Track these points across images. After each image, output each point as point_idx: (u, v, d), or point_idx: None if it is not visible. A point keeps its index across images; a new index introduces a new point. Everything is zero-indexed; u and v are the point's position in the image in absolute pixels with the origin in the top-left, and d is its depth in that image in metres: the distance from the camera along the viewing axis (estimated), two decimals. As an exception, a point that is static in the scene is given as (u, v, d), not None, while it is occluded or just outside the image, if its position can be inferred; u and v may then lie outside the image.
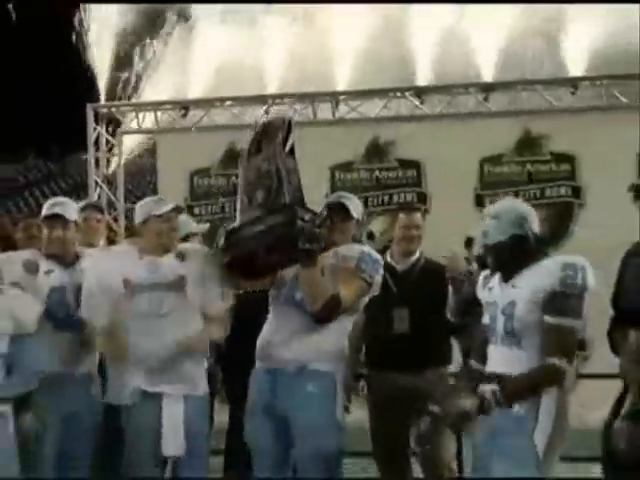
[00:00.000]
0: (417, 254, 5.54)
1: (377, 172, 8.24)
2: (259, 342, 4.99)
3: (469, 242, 5.29)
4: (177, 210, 5.17)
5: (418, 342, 5.31)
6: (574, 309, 4.05)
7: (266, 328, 5.00)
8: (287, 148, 4.78)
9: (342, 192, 5.51)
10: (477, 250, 4.57)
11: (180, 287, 4.95)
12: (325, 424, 4.83)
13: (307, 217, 4.63)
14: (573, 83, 8.15)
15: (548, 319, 4.05)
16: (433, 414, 4.35)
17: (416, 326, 5.37)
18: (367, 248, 5.03)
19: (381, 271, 4.94)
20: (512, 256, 4.19)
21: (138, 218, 5.03)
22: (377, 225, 7.86)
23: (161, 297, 4.95)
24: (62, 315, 5.09)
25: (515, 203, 4.50)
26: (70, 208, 5.23)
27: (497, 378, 4.11)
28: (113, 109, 9.09)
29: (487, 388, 4.11)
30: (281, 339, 4.89)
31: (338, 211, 4.93)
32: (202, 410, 5.14)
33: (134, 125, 9.18)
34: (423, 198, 8.18)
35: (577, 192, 8.10)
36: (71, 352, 5.12)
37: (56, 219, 5.13)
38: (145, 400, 4.94)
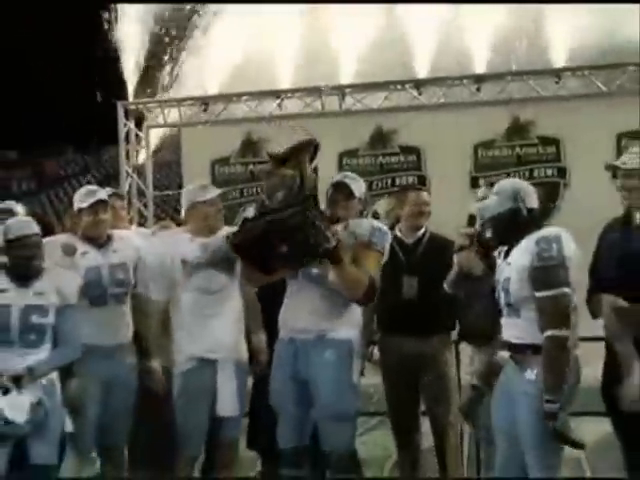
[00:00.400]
0: (423, 229, 5.60)
1: (380, 158, 8.36)
2: (281, 315, 5.07)
3: (471, 219, 5.09)
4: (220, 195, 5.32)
5: (425, 308, 5.36)
6: (557, 279, 4.04)
7: (286, 302, 5.06)
8: (312, 166, 4.78)
9: (347, 172, 5.46)
10: (477, 226, 4.55)
11: (229, 266, 5.13)
12: (342, 387, 4.89)
13: (318, 216, 4.61)
14: (557, 73, 8.24)
15: (536, 294, 4.08)
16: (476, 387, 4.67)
17: (423, 293, 5.42)
18: (376, 222, 5.08)
19: (389, 241, 4.97)
20: (508, 229, 4.22)
21: (185, 204, 5.21)
22: (381, 206, 7.94)
23: (213, 275, 5.11)
24: (97, 292, 5.21)
25: (514, 180, 4.65)
26: (104, 195, 5.46)
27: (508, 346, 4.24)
28: (141, 106, 9.24)
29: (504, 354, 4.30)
30: (301, 312, 4.94)
31: (342, 189, 4.99)
32: (245, 374, 5.30)
33: (160, 120, 9.31)
34: (423, 181, 8.26)
35: (562, 172, 8.22)
36: (107, 325, 5.25)
37: (98, 205, 5.21)
38: (202, 366, 5.12)
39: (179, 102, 9.24)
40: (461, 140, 8.06)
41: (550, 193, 8.19)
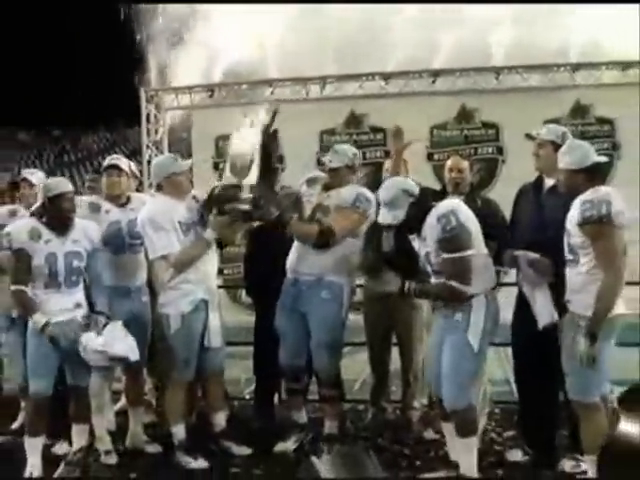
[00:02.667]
0: None
1: (354, 136, 8.16)
2: (289, 260, 5.10)
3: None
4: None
5: (398, 258, 5.12)
6: (460, 244, 4.11)
7: (293, 251, 5.09)
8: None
9: (336, 146, 5.37)
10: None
11: (204, 223, 4.94)
12: (333, 321, 4.99)
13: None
14: (497, 71, 8.14)
15: (445, 256, 4.15)
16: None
17: (398, 246, 5.16)
18: (363, 189, 5.05)
19: (374, 206, 4.91)
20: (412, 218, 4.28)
21: (161, 174, 4.92)
22: (354, 176, 7.91)
23: (200, 232, 4.92)
24: (119, 242, 5.13)
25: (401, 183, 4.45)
26: (122, 162, 5.21)
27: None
28: (159, 92, 8.96)
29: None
30: (304, 258, 5.00)
31: (329, 162, 5.05)
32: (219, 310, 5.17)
33: (174, 104, 9.10)
34: (387, 154, 7.91)
35: (500, 150, 8.09)
36: (127, 270, 5.18)
37: (113, 169, 5.13)
38: (199, 306, 4.95)
39: (190, 89, 9.02)
40: (420, 123, 7.87)
41: (491, 167, 8.17)
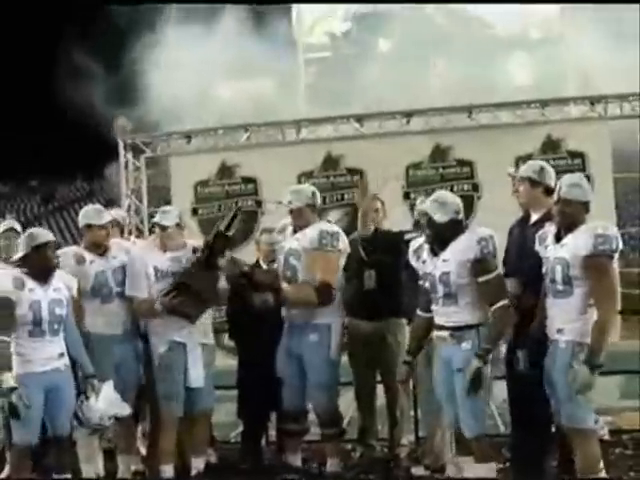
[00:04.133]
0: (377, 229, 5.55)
1: (332, 178, 8.24)
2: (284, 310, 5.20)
3: (416, 224, 5.26)
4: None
5: (382, 296, 5.37)
6: (494, 265, 4.27)
7: None
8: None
9: (294, 187, 5.60)
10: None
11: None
12: (325, 361, 5.10)
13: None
14: (469, 109, 8.23)
15: (479, 279, 4.22)
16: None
17: (380, 284, 5.41)
18: (325, 225, 5.20)
19: (342, 239, 5.08)
20: (445, 233, 4.32)
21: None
22: (333, 216, 7.94)
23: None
24: (106, 291, 5.22)
25: (453, 195, 4.57)
26: (103, 217, 5.31)
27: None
28: (137, 140, 9.02)
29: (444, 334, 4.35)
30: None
31: (288, 203, 5.15)
32: (211, 353, 5.26)
33: (152, 152, 9.08)
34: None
35: (476, 187, 8.16)
36: (117, 318, 5.27)
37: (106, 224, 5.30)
38: (174, 347, 5.11)
39: (168, 136, 9.07)
40: (396, 162, 7.97)
41: (467, 204, 7.99)
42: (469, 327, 4.28)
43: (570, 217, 4.17)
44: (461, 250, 4.28)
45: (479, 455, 4.31)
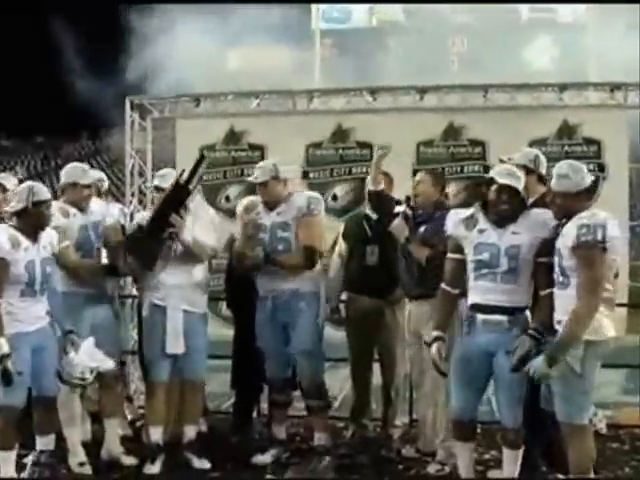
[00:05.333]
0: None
1: (341, 150, 8.09)
2: (260, 282, 5.26)
3: (407, 199, 5.29)
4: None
5: (383, 273, 5.40)
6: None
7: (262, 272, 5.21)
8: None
9: (259, 163, 5.62)
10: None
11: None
12: (313, 329, 5.17)
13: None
14: (485, 89, 8.06)
15: (539, 259, 4.15)
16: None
17: (382, 260, 5.44)
18: (309, 192, 5.56)
19: (323, 204, 5.29)
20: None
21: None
22: (340, 190, 7.88)
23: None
24: (88, 247, 5.28)
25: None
26: (87, 177, 5.30)
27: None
28: (145, 101, 8.89)
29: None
30: (277, 276, 5.16)
31: (264, 184, 5.25)
32: (202, 321, 5.18)
33: (160, 113, 8.87)
34: None
35: (487, 169, 7.82)
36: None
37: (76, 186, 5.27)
38: (156, 311, 5.15)
39: (176, 98, 8.86)
40: (406, 139, 7.78)
41: (476, 186, 7.75)
42: (522, 310, 4.20)
43: (563, 208, 4.09)
44: (536, 226, 4.19)
45: (514, 444, 4.29)
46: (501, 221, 4.26)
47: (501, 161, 4.86)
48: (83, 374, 4.64)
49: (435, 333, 4.43)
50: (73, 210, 5.22)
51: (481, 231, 4.27)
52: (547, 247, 4.11)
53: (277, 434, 5.40)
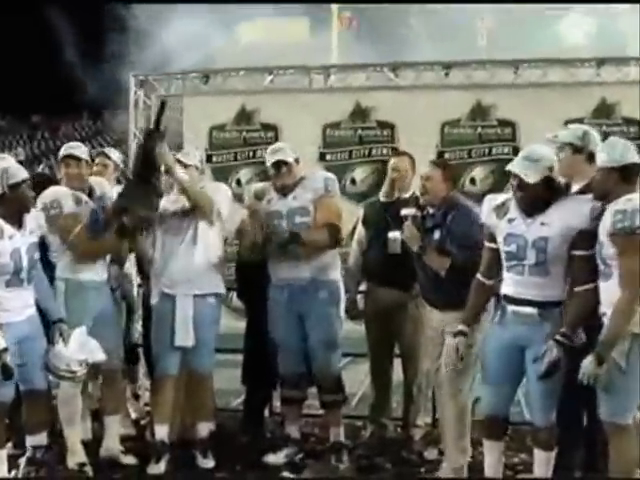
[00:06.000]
0: (411, 191, 5.57)
1: (360, 131, 8.03)
2: (273, 270, 5.24)
3: (416, 200, 5.27)
4: None
5: (406, 262, 5.21)
6: (595, 243, 4.00)
7: (273, 260, 5.23)
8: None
9: (274, 146, 5.61)
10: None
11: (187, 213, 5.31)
12: (333, 320, 5.19)
13: None
14: (515, 64, 7.96)
15: (575, 252, 4.06)
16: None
17: (405, 249, 5.26)
18: (325, 173, 5.54)
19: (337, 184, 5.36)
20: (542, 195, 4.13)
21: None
22: (359, 173, 7.85)
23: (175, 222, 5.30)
24: (99, 233, 5.22)
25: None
26: (82, 150, 5.24)
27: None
28: (150, 77, 8.88)
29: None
30: (291, 264, 5.14)
31: (275, 167, 5.27)
32: (211, 310, 5.17)
33: (166, 90, 8.84)
34: (395, 151, 7.64)
35: (517, 151, 7.78)
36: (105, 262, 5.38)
37: (67, 159, 5.22)
38: (165, 300, 5.15)
39: (183, 74, 8.83)
40: (430, 118, 7.77)
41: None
42: (556, 304, 4.16)
43: (601, 187, 4.03)
44: (569, 216, 4.08)
45: (547, 445, 4.28)
46: (530, 210, 4.19)
47: (548, 141, 4.62)
48: (69, 366, 4.62)
49: (460, 327, 4.43)
50: (85, 197, 5.22)
51: (510, 220, 4.22)
52: (585, 239, 4.03)
53: (290, 433, 5.40)
